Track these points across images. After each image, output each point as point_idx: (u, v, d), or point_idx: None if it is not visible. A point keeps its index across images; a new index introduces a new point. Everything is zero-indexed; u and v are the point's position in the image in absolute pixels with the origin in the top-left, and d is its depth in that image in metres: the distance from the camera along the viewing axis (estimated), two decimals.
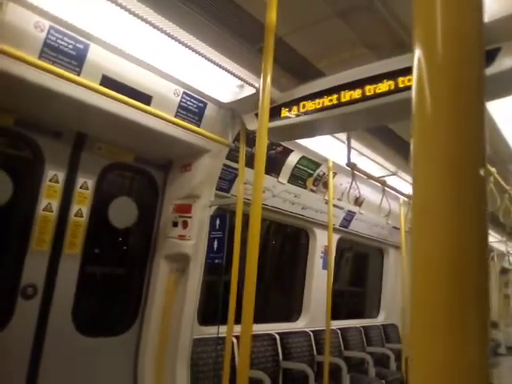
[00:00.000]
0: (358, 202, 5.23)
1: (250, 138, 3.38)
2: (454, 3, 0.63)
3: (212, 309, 3.56)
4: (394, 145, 4.18)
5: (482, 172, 0.59)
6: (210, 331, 3.54)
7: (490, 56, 1.90)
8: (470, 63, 0.62)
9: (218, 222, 3.37)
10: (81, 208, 3.11)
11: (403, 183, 4.92)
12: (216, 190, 3.52)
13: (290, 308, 5.30)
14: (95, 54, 2.49)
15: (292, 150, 4.07)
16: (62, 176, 3.00)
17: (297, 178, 4.34)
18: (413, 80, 0.63)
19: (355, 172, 3.86)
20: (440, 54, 0.61)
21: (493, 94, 2.03)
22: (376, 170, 4.48)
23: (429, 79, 0.61)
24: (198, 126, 3.13)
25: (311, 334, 4.83)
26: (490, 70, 1.89)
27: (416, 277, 0.59)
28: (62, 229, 3.01)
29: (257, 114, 3.04)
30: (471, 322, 0.55)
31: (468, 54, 0.62)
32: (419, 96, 0.62)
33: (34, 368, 2.84)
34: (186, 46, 2.40)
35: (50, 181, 2.94)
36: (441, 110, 0.61)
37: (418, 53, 0.63)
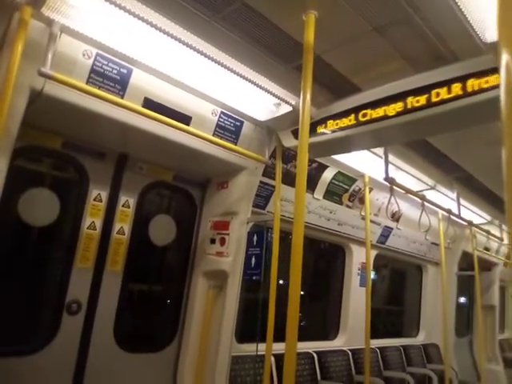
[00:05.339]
0: (395, 217, 5.12)
1: (286, 155, 3.39)
2: None
3: (250, 326, 3.53)
4: (432, 158, 4.09)
5: None
6: (249, 349, 3.52)
7: None
8: None
9: (255, 238, 3.38)
10: (122, 226, 3.20)
11: (442, 197, 4.78)
12: (252, 206, 3.54)
13: (327, 326, 5.20)
14: (138, 77, 2.60)
15: (327, 166, 4.05)
16: (105, 195, 3.11)
17: (332, 194, 4.31)
18: (500, 82, 0.60)
19: (393, 187, 3.79)
20: None
21: None
22: (414, 184, 4.38)
23: None
24: (235, 144, 3.18)
25: (349, 352, 4.71)
26: None
27: None
28: (104, 246, 3.10)
29: (293, 131, 3.08)
30: None
31: None
32: (509, 98, 0.59)
33: (77, 383, 2.90)
34: (224, 66, 2.46)
35: (94, 200, 3.05)
36: None
37: (505, 57, 0.60)
